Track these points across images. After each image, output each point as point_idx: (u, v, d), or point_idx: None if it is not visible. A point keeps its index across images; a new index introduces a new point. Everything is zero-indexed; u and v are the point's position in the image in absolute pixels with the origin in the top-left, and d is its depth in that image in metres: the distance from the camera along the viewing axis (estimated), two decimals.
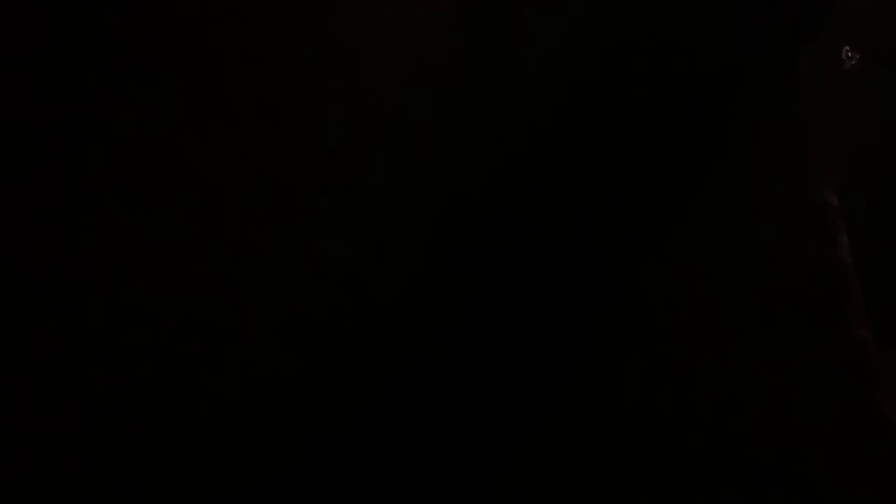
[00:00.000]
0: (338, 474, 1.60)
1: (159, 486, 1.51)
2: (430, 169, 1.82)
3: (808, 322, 1.86)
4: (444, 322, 1.72)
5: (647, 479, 1.68)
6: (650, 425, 1.74)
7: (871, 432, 1.81)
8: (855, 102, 2.21)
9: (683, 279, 1.84)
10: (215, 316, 1.64)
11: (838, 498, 1.69)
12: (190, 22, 1.75)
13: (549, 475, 1.66)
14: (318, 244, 1.73)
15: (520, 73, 1.92)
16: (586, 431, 1.71)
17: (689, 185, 1.92)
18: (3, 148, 1.66)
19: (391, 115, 1.83)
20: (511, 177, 1.86)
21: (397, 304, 1.71)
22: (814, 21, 2.03)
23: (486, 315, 1.74)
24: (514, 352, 1.70)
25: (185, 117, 1.72)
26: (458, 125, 1.86)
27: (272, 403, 1.61)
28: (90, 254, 1.61)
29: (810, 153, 2.01)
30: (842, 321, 1.89)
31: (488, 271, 1.77)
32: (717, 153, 1.95)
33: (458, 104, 1.87)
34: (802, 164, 1.99)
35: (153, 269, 1.62)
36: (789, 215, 1.94)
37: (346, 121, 1.79)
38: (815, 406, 1.81)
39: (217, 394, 1.60)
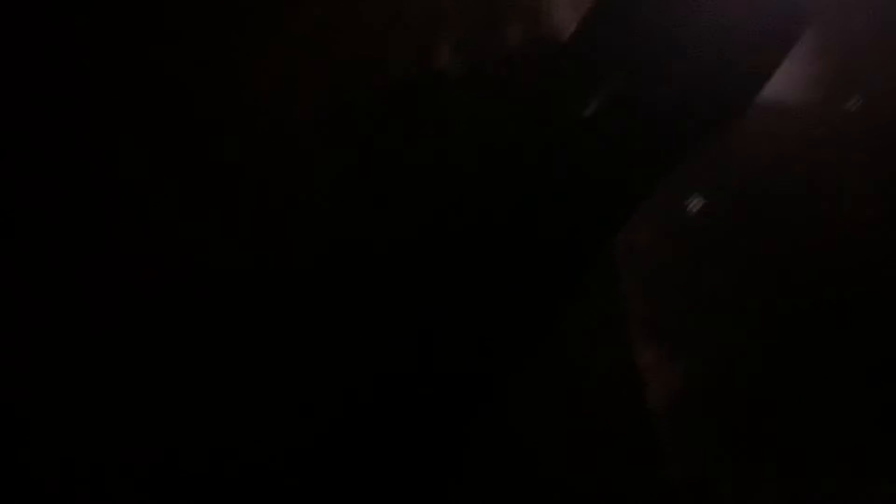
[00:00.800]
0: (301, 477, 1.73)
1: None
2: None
3: (621, 466, 1.99)
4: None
5: None
6: None
7: None
8: (692, 253, 2.31)
9: (507, 427, 1.93)
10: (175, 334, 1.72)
11: None
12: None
13: None
14: None
15: (388, 194, 1.96)
16: None
17: (521, 337, 1.99)
18: None
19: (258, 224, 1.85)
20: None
21: None
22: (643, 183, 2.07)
23: None
24: None
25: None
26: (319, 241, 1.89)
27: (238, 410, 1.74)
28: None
29: (632, 311, 2.12)
30: (653, 464, 2.02)
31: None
32: (544, 313, 2.02)
33: (324, 222, 1.90)
34: (624, 322, 2.10)
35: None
36: (609, 370, 2.06)
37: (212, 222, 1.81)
38: None
39: (183, 404, 1.71)
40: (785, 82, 2.49)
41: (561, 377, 2.05)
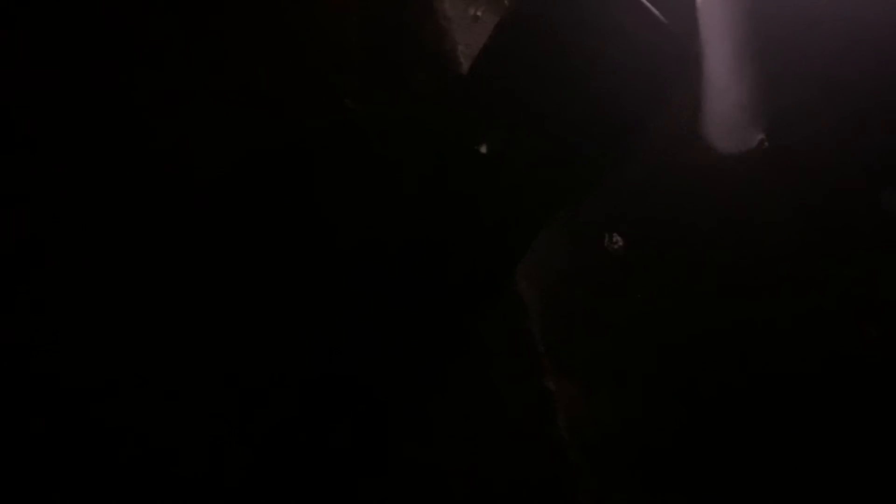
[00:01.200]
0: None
1: None
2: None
3: (525, 493, 2.01)
4: None
5: None
6: None
7: None
8: (603, 284, 2.36)
9: (412, 455, 1.97)
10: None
11: None
12: None
13: None
14: None
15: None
16: None
17: (427, 367, 2.06)
18: None
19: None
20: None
21: None
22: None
23: None
24: None
25: None
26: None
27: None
28: None
29: (540, 342, 2.16)
30: (561, 492, 2.05)
31: None
32: (456, 349, 2.08)
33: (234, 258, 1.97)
34: (532, 352, 2.15)
35: None
36: (515, 400, 2.10)
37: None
38: None
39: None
40: (697, 118, 2.58)
41: (468, 405, 2.08)
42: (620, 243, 2.40)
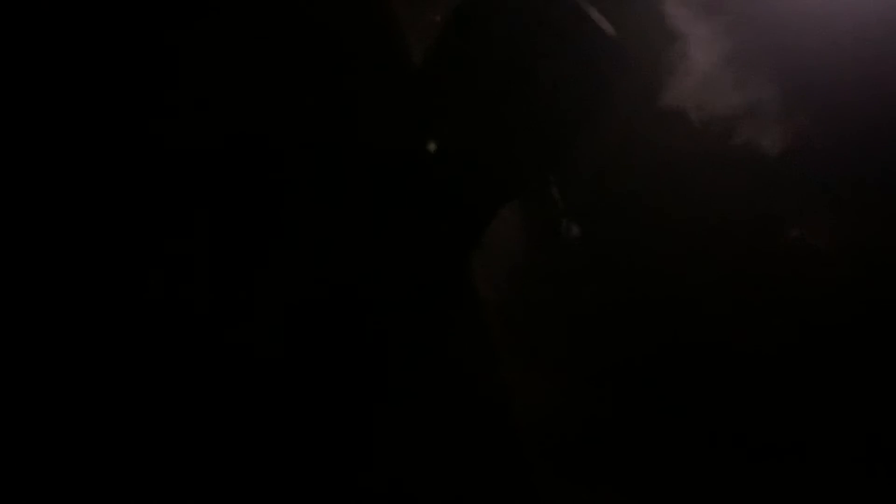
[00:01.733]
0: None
1: None
2: None
3: (492, 487, 2.05)
4: None
5: None
6: None
7: None
8: (563, 271, 2.40)
9: (373, 441, 2.04)
10: None
11: None
12: None
13: None
14: None
15: None
16: None
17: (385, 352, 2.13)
18: None
19: None
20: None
21: None
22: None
23: None
24: None
25: None
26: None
27: None
28: None
29: (501, 328, 2.21)
30: (521, 483, 2.09)
31: None
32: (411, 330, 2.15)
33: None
34: (490, 339, 2.19)
35: None
36: (474, 386, 2.15)
37: None
38: None
39: None
40: (650, 115, 2.63)
41: (427, 400, 2.13)
42: (576, 232, 2.43)
